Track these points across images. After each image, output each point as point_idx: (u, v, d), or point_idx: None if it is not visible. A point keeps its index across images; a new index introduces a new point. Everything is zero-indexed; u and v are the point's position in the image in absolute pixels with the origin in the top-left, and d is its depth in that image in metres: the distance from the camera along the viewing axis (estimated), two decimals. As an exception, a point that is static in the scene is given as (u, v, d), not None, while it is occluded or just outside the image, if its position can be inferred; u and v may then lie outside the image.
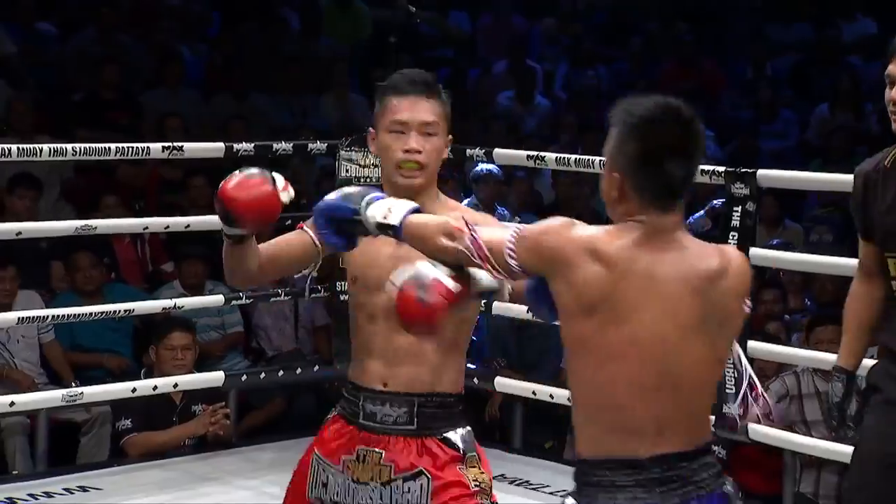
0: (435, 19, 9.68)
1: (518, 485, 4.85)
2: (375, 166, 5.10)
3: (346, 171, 5.13)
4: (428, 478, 2.69)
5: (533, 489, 4.81)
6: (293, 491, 2.80)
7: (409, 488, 2.68)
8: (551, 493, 4.75)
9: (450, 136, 2.75)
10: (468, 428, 2.79)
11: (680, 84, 9.76)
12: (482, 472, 2.76)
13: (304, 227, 2.68)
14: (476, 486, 2.72)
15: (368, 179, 5.10)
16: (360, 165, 5.13)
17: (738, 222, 4.43)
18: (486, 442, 5.39)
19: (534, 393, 5.11)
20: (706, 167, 4.72)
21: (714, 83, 10.07)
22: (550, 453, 5.56)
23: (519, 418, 5.73)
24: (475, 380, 5.46)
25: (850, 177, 4.95)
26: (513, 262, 2.23)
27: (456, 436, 2.75)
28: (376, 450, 2.70)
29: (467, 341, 2.84)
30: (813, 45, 10.55)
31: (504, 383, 5.27)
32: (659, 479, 2.25)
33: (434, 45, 9.77)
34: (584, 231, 2.21)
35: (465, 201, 7.00)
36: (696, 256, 2.25)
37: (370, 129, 2.74)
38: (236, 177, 2.55)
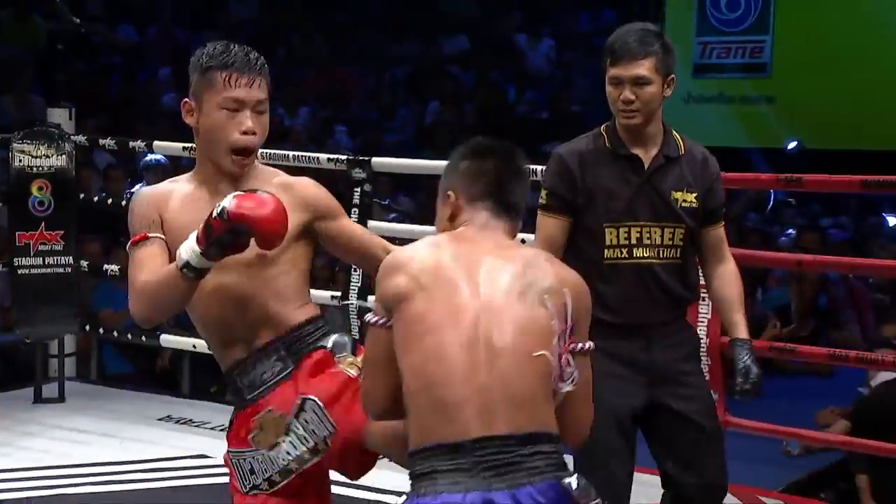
0: (102, 31, 9.34)
1: (183, 423, 4.78)
2: (47, 156, 4.87)
3: (20, 160, 4.85)
4: (313, 400, 2.23)
5: (196, 426, 4.75)
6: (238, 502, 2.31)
7: (305, 420, 2.23)
8: (211, 429, 4.69)
9: None
10: (345, 336, 2.32)
11: (318, 88, 9.84)
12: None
13: (150, 235, 2.25)
14: (352, 368, 2.27)
15: (40, 168, 4.85)
16: (31, 156, 4.86)
17: (358, 200, 4.49)
18: (159, 389, 5.34)
19: (194, 346, 5.02)
20: (332, 156, 4.78)
21: (346, 88, 10.19)
22: (214, 396, 5.47)
23: (186, 368, 5.63)
24: (143, 338, 5.31)
25: (441, 163, 5.12)
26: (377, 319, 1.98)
27: (328, 341, 2.30)
28: (267, 409, 2.25)
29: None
30: (422, 58, 10.87)
31: (169, 339, 5.15)
32: (484, 462, 1.86)
33: (105, 52, 9.40)
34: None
35: (137, 187, 6.81)
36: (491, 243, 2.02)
37: (186, 99, 2.30)
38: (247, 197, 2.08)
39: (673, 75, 2.74)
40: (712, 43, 10.24)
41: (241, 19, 10.94)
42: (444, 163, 5.15)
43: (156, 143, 5.06)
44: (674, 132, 2.80)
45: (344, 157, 4.65)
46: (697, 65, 10.13)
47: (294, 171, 8.22)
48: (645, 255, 2.72)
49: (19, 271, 4.86)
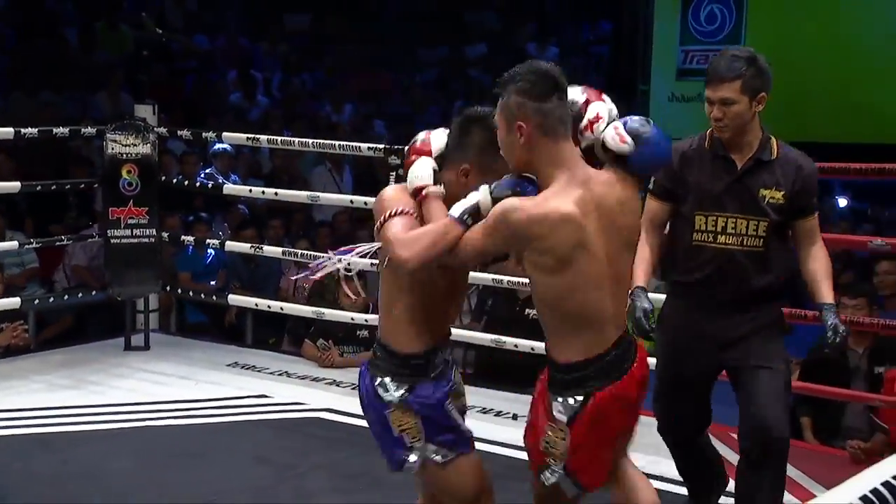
0: (180, 40, 9.31)
1: (247, 369, 4.79)
2: (135, 145, 4.86)
3: (112, 148, 4.85)
4: None
5: (258, 371, 4.76)
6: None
7: None
8: (270, 373, 4.71)
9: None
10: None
11: (361, 88, 9.81)
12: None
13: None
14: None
15: (129, 155, 4.86)
16: (122, 144, 4.86)
17: (393, 182, 4.44)
18: (227, 340, 5.37)
19: (256, 305, 5.04)
20: (372, 145, 4.71)
21: (384, 88, 10.16)
22: (272, 347, 5.50)
23: (249, 323, 5.65)
24: (213, 297, 5.34)
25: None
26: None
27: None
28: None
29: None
30: (449, 62, 10.82)
31: (235, 299, 5.17)
32: None
33: (182, 58, 9.39)
34: None
35: (208, 170, 6.82)
36: None
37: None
38: None
39: (763, 93, 2.64)
40: (693, 50, 10.13)
41: (294, 30, 10.91)
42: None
43: (224, 133, 5.06)
44: (772, 139, 2.72)
45: (381, 146, 4.62)
46: (680, 69, 10.03)
47: (340, 158, 8.11)
48: (728, 241, 2.69)
49: (112, 241, 4.86)
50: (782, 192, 2.67)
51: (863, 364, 4.09)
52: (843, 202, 8.87)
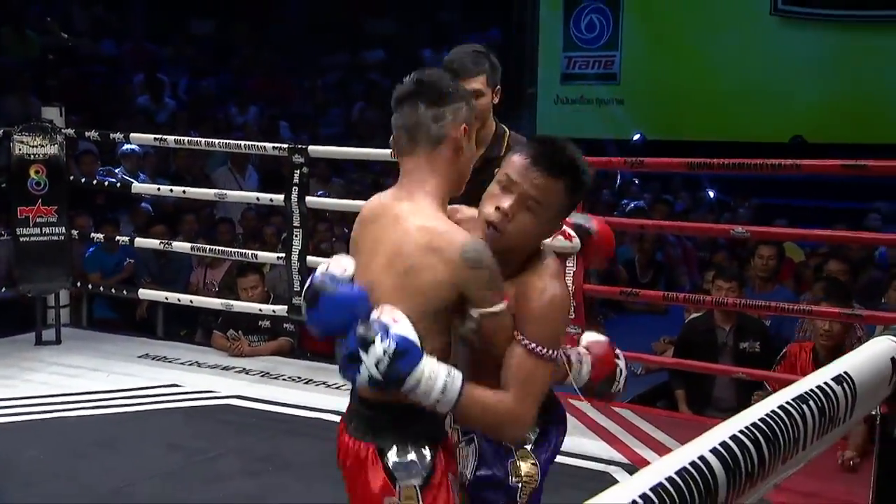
0: (87, 44, 9.00)
1: (159, 359, 4.68)
2: (42, 146, 4.70)
3: (20, 149, 4.67)
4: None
5: (169, 362, 4.66)
6: None
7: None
8: (181, 364, 4.62)
9: None
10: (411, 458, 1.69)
11: (265, 92, 9.66)
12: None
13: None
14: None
15: (37, 155, 4.68)
16: (29, 145, 4.68)
17: (298, 180, 4.43)
18: (138, 333, 5.22)
19: (167, 298, 4.92)
20: (276, 145, 4.66)
21: (288, 91, 10.03)
22: (184, 338, 5.37)
23: (160, 317, 5.52)
24: (124, 292, 5.19)
25: (365, 150, 5.06)
26: None
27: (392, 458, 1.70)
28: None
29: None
30: (349, 67, 10.75)
31: (146, 293, 5.04)
32: None
33: (89, 62, 9.07)
34: None
35: (117, 169, 6.62)
36: None
37: None
38: None
39: (499, 86, 2.57)
40: (575, 57, 10.34)
41: (199, 34, 10.68)
42: (367, 150, 5.14)
43: (132, 134, 4.92)
44: (507, 134, 2.57)
45: (285, 146, 4.57)
46: (564, 74, 10.24)
47: (245, 157, 7.99)
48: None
49: (21, 239, 4.71)
50: None
51: (729, 341, 4.26)
52: (711, 194, 9.18)
